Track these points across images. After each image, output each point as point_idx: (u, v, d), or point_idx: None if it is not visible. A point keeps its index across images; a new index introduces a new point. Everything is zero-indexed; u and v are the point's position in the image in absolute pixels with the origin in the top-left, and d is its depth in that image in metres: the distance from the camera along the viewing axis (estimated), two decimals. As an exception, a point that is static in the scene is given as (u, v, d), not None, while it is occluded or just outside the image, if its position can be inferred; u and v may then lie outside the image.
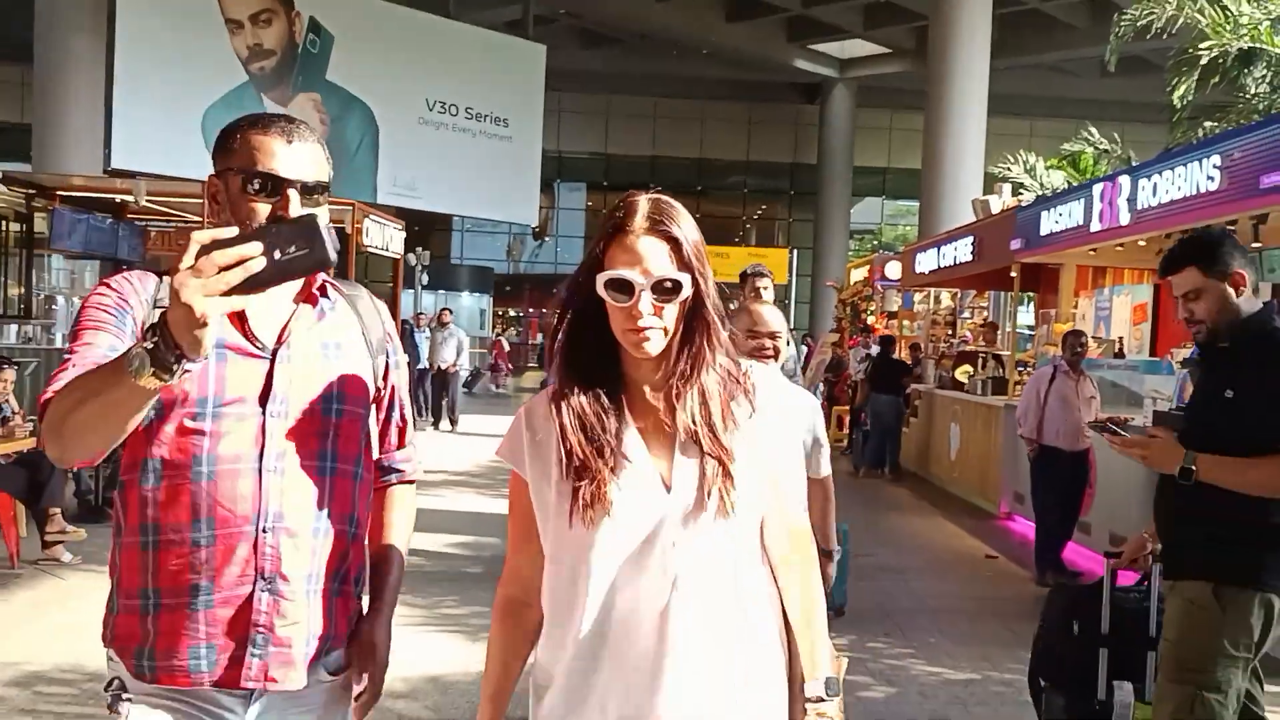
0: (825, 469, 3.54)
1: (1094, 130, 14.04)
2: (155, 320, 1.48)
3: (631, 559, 1.64)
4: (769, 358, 3.33)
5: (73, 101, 21.11)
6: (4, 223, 10.69)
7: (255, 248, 1.41)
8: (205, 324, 1.41)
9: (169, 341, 1.44)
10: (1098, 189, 8.15)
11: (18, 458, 6.48)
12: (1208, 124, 10.32)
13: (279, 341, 1.82)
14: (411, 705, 4.42)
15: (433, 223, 36.40)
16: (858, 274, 19.03)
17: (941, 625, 6.22)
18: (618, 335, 1.67)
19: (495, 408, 22.09)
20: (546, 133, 30.33)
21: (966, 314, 15.90)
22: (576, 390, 1.71)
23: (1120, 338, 10.67)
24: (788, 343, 3.72)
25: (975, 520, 9.86)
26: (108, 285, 1.83)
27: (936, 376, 13.35)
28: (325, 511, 1.82)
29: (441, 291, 35.75)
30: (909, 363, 13.83)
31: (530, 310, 44.80)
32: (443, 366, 16.60)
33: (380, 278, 26.99)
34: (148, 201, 11.60)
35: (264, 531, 1.77)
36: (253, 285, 1.42)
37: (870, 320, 17.35)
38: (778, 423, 1.77)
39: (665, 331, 1.66)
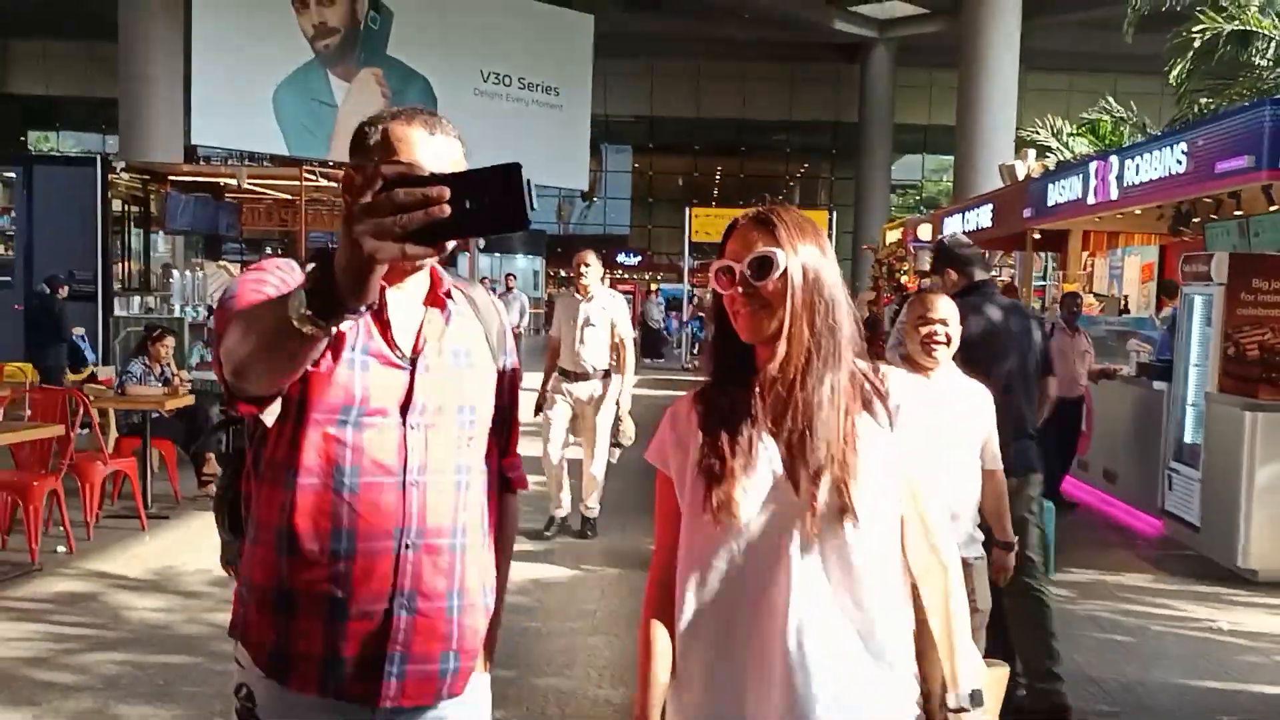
0: (996, 462, 3.47)
1: (1111, 99, 14.90)
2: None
3: (755, 562, 1.66)
4: (939, 344, 3.31)
5: (154, 81, 22.32)
6: (125, 205, 12.04)
7: (443, 192, 1.18)
8: (373, 268, 1.22)
9: (332, 284, 1.25)
10: (1093, 166, 9.22)
11: (177, 412, 7.83)
12: (1203, 100, 11.24)
13: (415, 350, 1.74)
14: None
15: (484, 187, 37.54)
16: (892, 235, 20.01)
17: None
18: (734, 325, 1.71)
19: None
20: (593, 99, 31.33)
21: (995, 272, 16.90)
22: (716, 391, 1.75)
23: (1127, 295, 11.70)
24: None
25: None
26: (262, 267, 1.74)
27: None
28: (462, 525, 1.77)
29: (497, 255, 36.97)
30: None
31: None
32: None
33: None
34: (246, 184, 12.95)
35: (405, 548, 1.70)
36: (434, 235, 1.21)
37: (904, 280, 18.37)
38: (914, 430, 1.73)
39: (768, 313, 1.67)
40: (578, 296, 6.82)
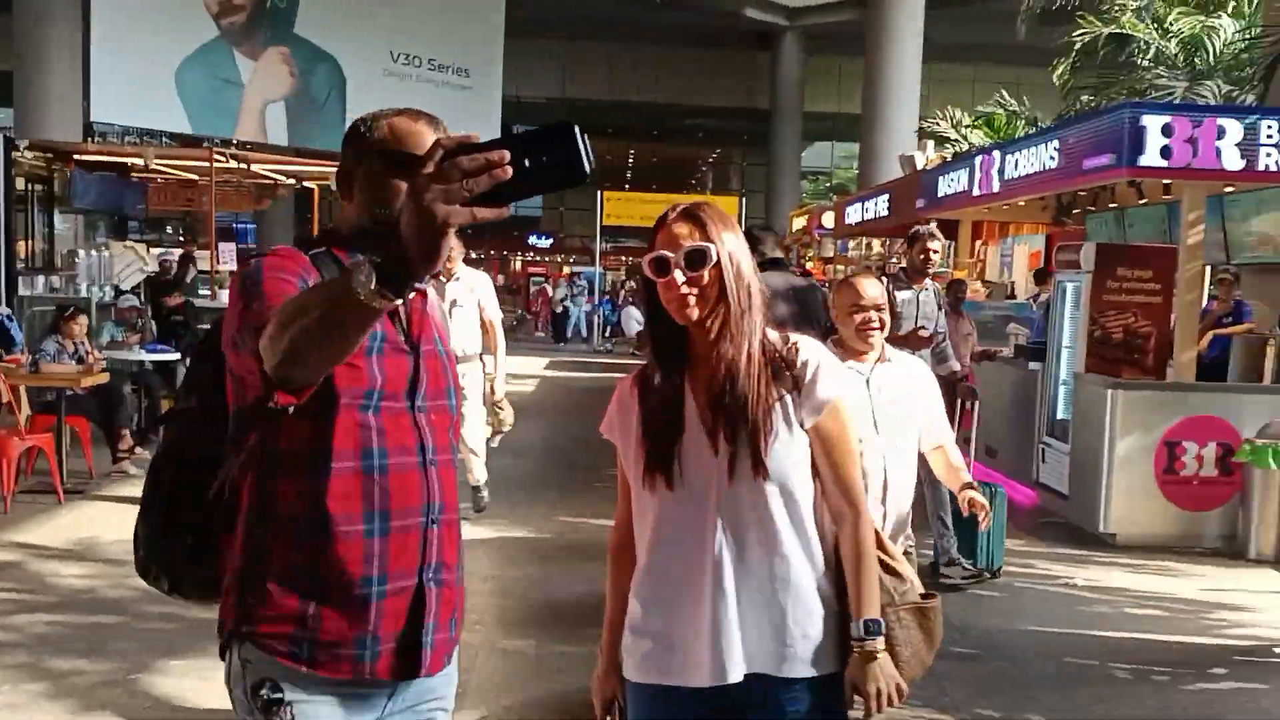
0: (944, 435, 3.49)
1: (1004, 93, 15.60)
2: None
3: (690, 512, 1.96)
4: (874, 330, 3.31)
5: (53, 55, 21.81)
6: (29, 184, 11.97)
7: (504, 154, 1.24)
8: (445, 233, 1.26)
9: (402, 252, 1.29)
10: (978, 160, 9.78)
11: (91, 389, 7.93)
12: (1084, 98, 11.93)
13: (414, 336, 1.81)
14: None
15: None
16: (799, 222, 20.59)
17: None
18: (668, 309, 1.94)
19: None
20: (505, 79, 31.39)
21: (894, 259, 17.56)
22: (651, 370, 2.02)
23: (1013, 281, 12.36)
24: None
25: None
26: (278, 256, 1.76)
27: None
28: (455, 501, 1.87)
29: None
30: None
31: (491, 253, 46.01)
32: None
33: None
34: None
35: (431, 524, 1.79)
36: (499, 197, 1.26)
37: (809, 265, 18.98)
38: (825, 391, 1.97)
39: (700, 298, 1.92)
40: (441, 279, 6.25)
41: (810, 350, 2.00)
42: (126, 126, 25.55)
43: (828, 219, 17.43)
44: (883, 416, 3.27)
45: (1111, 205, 10.19)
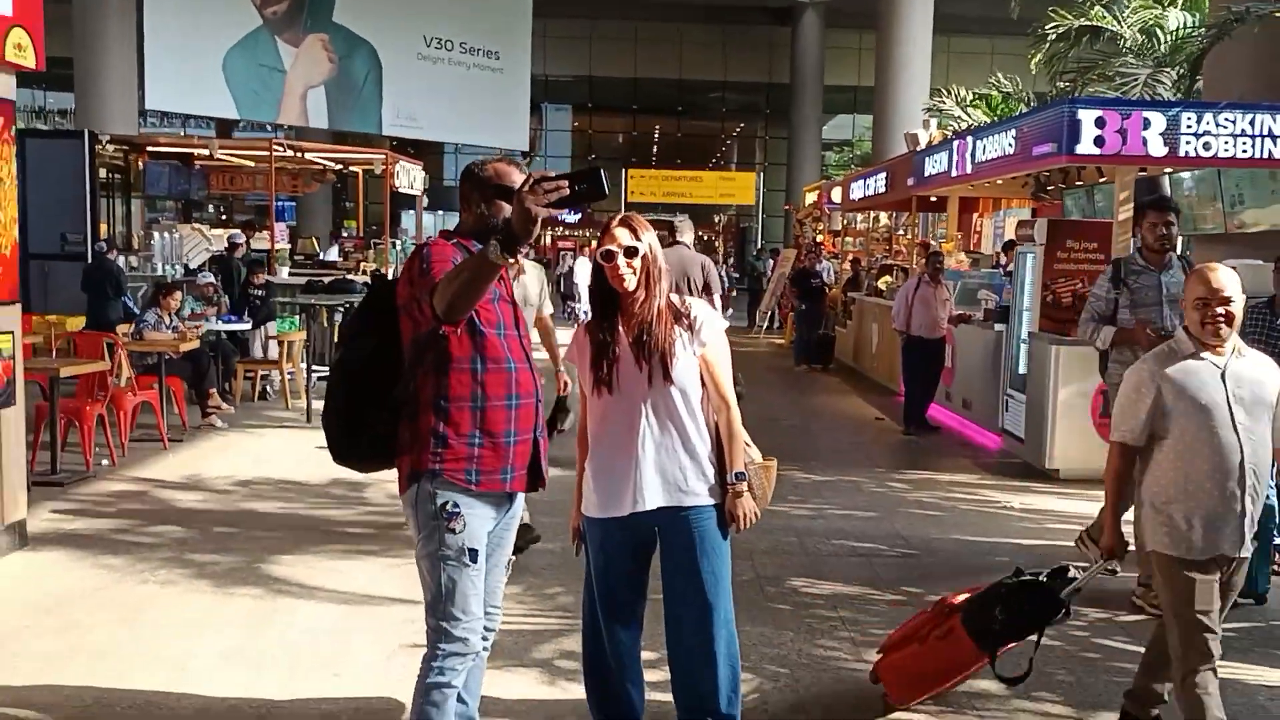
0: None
1: (1000, 75, 16.62)
2: (500, 226, 2.77)
3: (623, 407, 3.17)
4: (1220, 324, 3.36)
5: (110, 47, 22.94)
6: (109, 173, 13.34)
7: (564, 183, 2.50)
8: (536, 220, 2.50)
9: (513, 233, 2.55)
10: (955, 144, 10.93)
11: (186, 354, 9.27)
12: (1059, 84, 13.00)
13: (508, 293, 3.11)
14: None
15: (426, 147, 38.65)
16: (811, 197, 21.68)
17: (823, 458, 9.11)
18: (611, 282, 3.13)
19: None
20: (533, 59, 32.51)
21: (901, 231, 18.66)
22: (596, 321, 3.21)
23: (998, 251, 13.48)
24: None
25: (881, 397, 12.75)
26: (437, 246, 2.92)
27: (868, 285, 16.15)
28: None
29: (440, 212, 38.14)
30: (852, 275, 16.70)
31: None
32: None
33: (377, 199, 29.30)
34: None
35: (537, 402, 3.10)
36: (560, 204, 2.49)
37: (818, 238, 20.11)
38: (707, 334, 3.20)
39: (632, 274, 3.10)
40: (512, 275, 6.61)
41: (699, 307, 3.26)
42: (179, 114, 26.98)
43: (836, 194, 18.51)
44: (1240, 409, 3.42)
45: (1078, 184, 11.30)
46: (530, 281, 5.81)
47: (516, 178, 2.94)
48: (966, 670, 3.96)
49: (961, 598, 3.97)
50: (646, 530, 3.23)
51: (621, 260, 3.10)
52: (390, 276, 3.36)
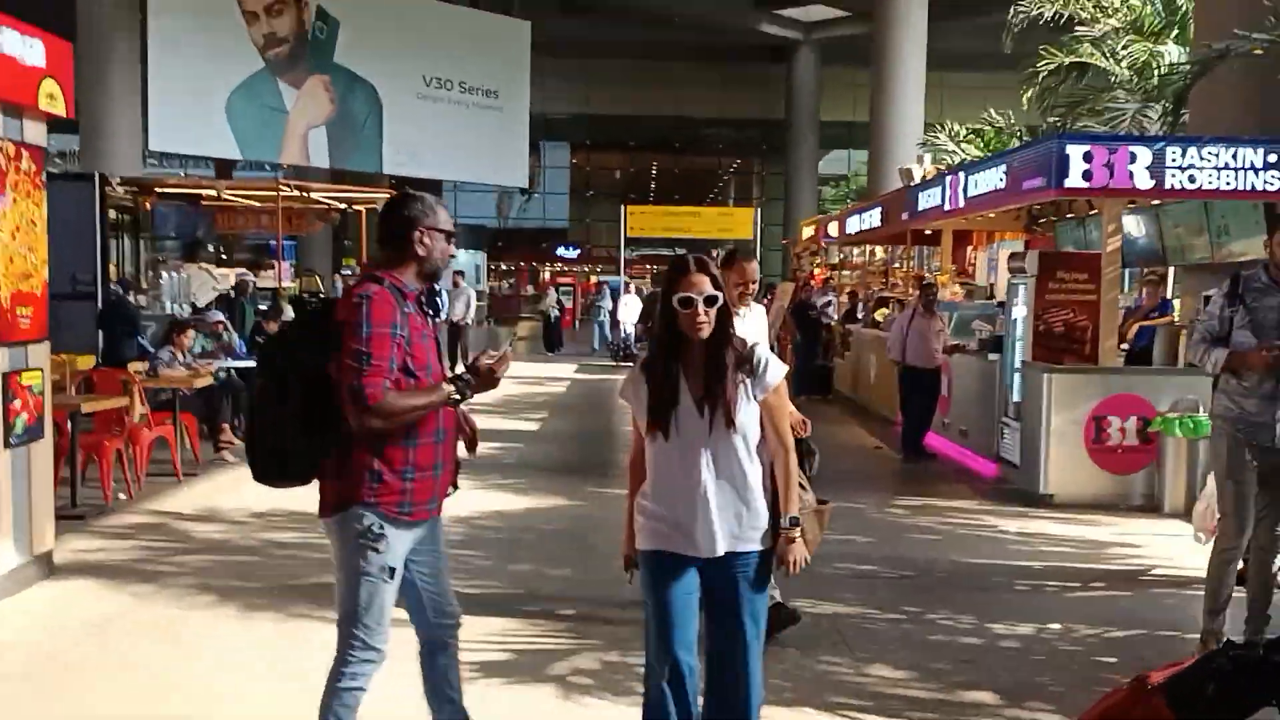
0: None
1: (992, 110, 16.94)
2: (465, 375, 3.25)
3: (682, 452, 3.14)
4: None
5: (114, 89, 23.31)
6: (120, 215, 13.61)
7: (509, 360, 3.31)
8: (498, 385, 3.27)
9: (477, 390, 3.23)
10: (948, 179, 11.21)
11: (198, 390, 9.49)
12: (1050, 119, 13.31)
13: (432, 334, 3.40)
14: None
15: (425, 186, 39.02)
16: (808, 231, 21.97)
17: (824, 486, 9.28)
18: (685, 329, 3.11)
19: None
20: (532, 97, 32.93)
21: (897, 264, 18.94)
22: (659, 362, 3.19)
23: (992, 284, 13.74)
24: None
25: (879, 426, 12.95)
26: (386, 300, 3.12)
27: (865, 317, 16.39)
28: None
29: (438, 249, 38.34)
30: (849, 308, 16.98)
31: (521, 264, 47.63)
32: (455, 320, 19.61)
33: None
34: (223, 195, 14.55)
35: (453, 433, 3.36)
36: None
37: (815, 271, 20.38)
38: (771, 378, 3.19)
39: (710, 325, 3.11)
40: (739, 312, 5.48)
41: (761, 351, 3.23)
42: (183, 155, 27.35)
43: (833, 228, 18.80)
44: None
45: (1069, 216, 11.58)
46: (753, 323, 5.38)
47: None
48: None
49: (1163, 675, 3.47)
50: (703, 566, 3.23)
51: (701, 308, 3.11)
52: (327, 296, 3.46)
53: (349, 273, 28.99)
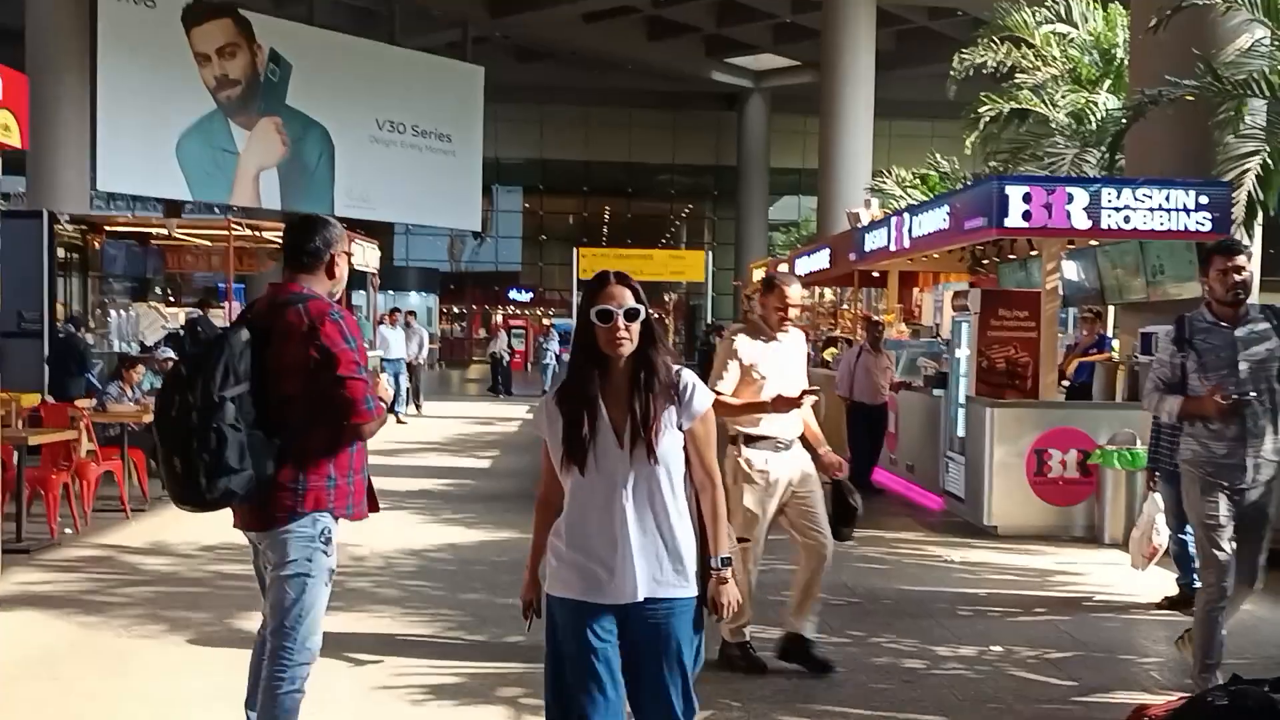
0: None
1: (937, 155, 17.38)
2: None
3: (600, 486, 2.83)
4: None
5: (61, 131, 22.91)
6: (67, 252, 13.52)
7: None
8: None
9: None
10: (893, 221, 11.48)
11: (147, 426, 9.41)
12: (992, 163, 13.69)
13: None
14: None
15: (377, 227, 39.01)
16: (759, 273, 22.24)
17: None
18: (603, 347, 2.80)
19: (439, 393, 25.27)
20: (485, 141, 33.13)
21: (845, 305, 19.24)
22: (574, 388, 2.87)
23: (938, 323, 14.01)
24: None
25: (828, 464, 13.10)
26: (350, 319, 3.40)
27: (815, 357, 16.62)
28: None
29: (391, 292, 38.35)
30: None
31: (473, 307, 47.59)
32: (408, 360, 19.57)
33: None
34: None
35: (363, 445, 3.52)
36: None
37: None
38: (698, 405, 2.90)
39: (632, 341, 2.80)
40: (778, 339, 5.09)
41: (688, 376, 2.94)
42: (132, 195, 27.22)
43: (783, 270, 19.06)
44: None
45: (1011, 257, 11.87)
46: (793, 349, 5.10)
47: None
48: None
49: (1163, 710, 3.26)
50: (621, 612, 2.90)
51: (621, 322, 2.82)
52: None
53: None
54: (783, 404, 4.85)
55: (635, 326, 2.83)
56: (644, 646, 2.89)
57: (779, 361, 5.02)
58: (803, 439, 5.20)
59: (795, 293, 5.04)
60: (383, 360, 16.95)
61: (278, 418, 3.31)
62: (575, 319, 2.93)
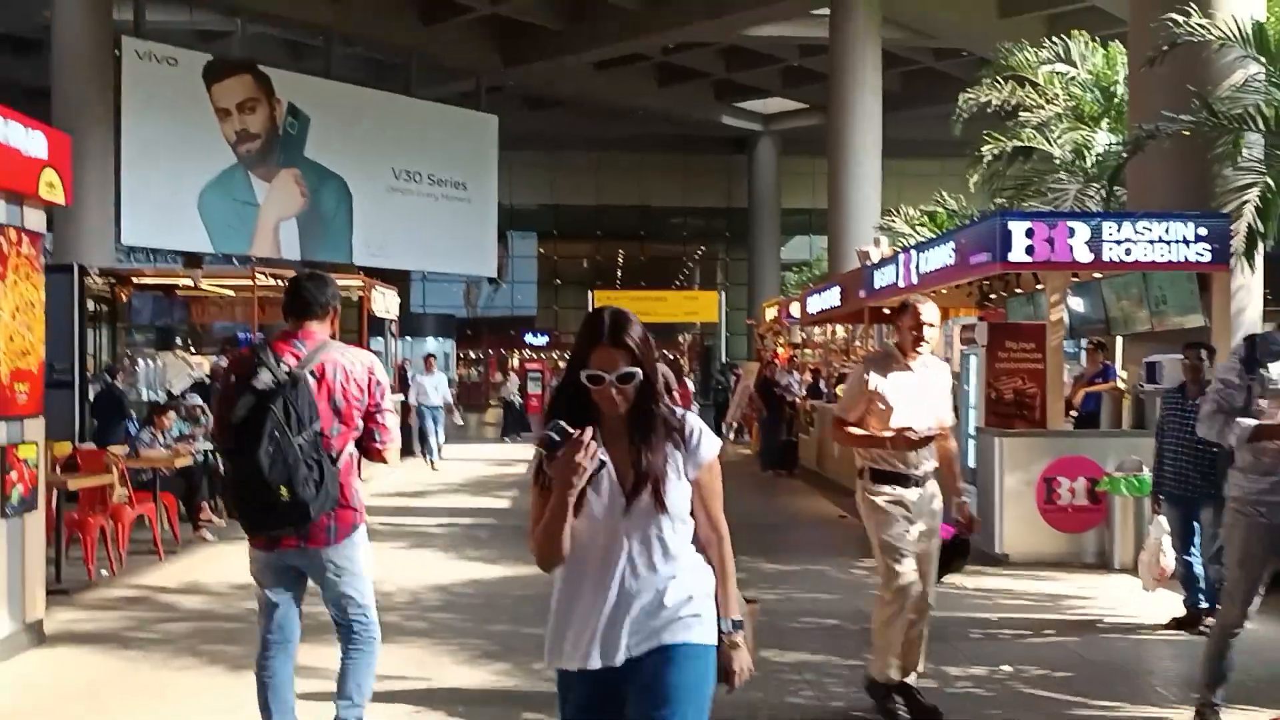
0: None
1: (944, 193, 17.65)
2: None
3: (604, 536, 2.59)
4: None
5: (86, 186, 23.20)
6: (96, 304, 13.88)
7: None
8: None
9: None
10: (901, 258, 11.73)
11: (178, 470, 9.70)
12: (998, 200, 13.94)
13: None
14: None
15: (394, 275, 39.46)
16: (771, 312, 22.52)
17: (791, 551, 9.61)
18: (598, 403, 2.56)
19: (457, 436, 25.52)
20: (499, 188, 33.60)
21: (858, 342, 19.46)
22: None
23: (949, 357, 14.19)
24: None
25: (844, 498, 13.19)
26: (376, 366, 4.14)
27: (829, 394, 16.83)
28: None
29: (408, 338, 38.74)
30: (812, 384, 17.46)
31: (489, 352, 47.95)
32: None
33: (351, 327, 30.00)
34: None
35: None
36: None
37: (779, 351, 20.87)
38: (706, 453, 2.66)
39: (626, 400, 2.55)
40: (909, 365, 4.87)
41: (694, 421, 2.70)
42: (154, 249, 27.74)
43: (795, 309, 19.32)
44: None
45: (1018, 291, 12.10)
46: (935, 380, 4.89)
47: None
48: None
49: None
50: (621, 675, 2.65)
51: (614, 388, 2.59)
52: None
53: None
54: (902, 443, 4.66)
55: (629, 388, 2.59)
56: (651, 706, 2.61)
57: (910, 391, 4.77)
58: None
59: (930, 313, 4.77)
60: (421, 406, 17.24)
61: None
62: (565, 370, 2.69)
